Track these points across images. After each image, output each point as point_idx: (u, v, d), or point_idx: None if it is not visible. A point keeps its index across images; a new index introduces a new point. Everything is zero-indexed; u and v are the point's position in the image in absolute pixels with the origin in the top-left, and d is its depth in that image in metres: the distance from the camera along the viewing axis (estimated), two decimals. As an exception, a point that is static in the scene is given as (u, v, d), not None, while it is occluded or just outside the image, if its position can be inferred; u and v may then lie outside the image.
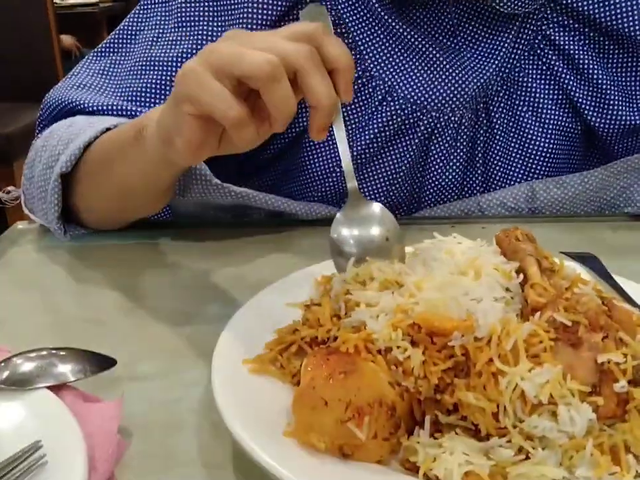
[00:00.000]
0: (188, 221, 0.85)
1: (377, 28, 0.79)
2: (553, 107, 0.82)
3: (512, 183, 0.84)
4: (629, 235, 0.81)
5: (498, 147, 0.83)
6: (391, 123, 0.80)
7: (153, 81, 0.80)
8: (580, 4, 0.78)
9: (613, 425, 0.43)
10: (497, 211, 0.84)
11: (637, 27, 0.78)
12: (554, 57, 0.81)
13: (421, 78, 0.80)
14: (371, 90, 0.80)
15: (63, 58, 2.94)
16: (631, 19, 0.77)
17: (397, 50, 0.80)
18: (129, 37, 0.85)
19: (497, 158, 0.84)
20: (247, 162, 0.84)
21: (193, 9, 0.80)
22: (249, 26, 0.77)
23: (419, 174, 0.84)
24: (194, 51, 0.79)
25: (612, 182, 0.84)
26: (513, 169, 0.84)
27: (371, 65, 0.80)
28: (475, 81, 0.80)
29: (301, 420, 0.43)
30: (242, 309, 0.56)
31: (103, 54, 0.86)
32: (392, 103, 0.80)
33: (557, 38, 0.80)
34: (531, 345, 0.43)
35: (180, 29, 0.80)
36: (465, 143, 0.82)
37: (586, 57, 0.80)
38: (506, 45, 0.80)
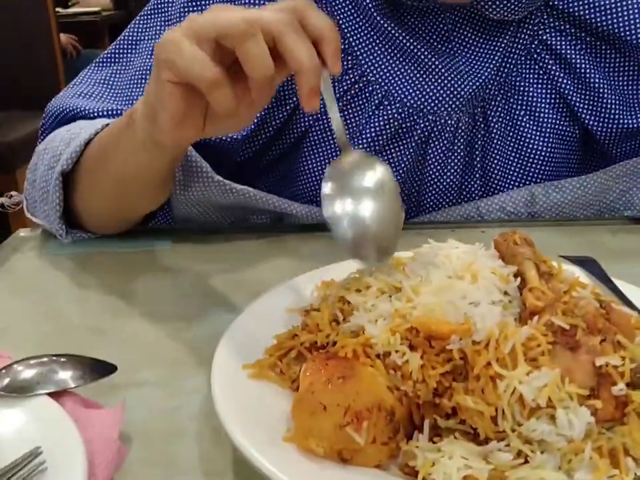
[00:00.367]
0: (188, 226, 0.86)
1: (372, 33, 0.80)
2: (550, 111, 0.82)
3: (510, 186, 0.84)
4: (629, 239, 0.81)
5: (496, 151, 0.83)
6: (387, 127, 0.81)
7: None
8: (576, 9, 0.79)
9: (611, 428, 0.43)
10: (496, 216, 0.85)
11: (629, 29, 0.78)
12: (550, 61, 0.81)
13: (416, 82, 0.80)
14: (367, 95, 0.81)
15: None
16: (621, 20, 0.78)
17: (392, 55, 0.80)
18: (129, 47, 0.86)
19: (495, 162, 0.84)
20: (248, 165, 0.84)
21: None
22: None
23: (417, 177, 0.84)
24: None
25: (611, 186, 0.84)
26: (510, 172, 0.84)
27: (368, 70, 0.80)
28: (471, 84, 0.80)
29: (300, 425, 0.43)
30: (242, 315, 0.56)
31: (104, 64, 0.87)
32: (389, 107, 0.80)
33: (553, 42, 0.80)
34: (529, 348, 0.43)
35: None
36: (462, 147, 0.83)
37: (582, 60, 0.80)
38: (501, 49, 0.80)
